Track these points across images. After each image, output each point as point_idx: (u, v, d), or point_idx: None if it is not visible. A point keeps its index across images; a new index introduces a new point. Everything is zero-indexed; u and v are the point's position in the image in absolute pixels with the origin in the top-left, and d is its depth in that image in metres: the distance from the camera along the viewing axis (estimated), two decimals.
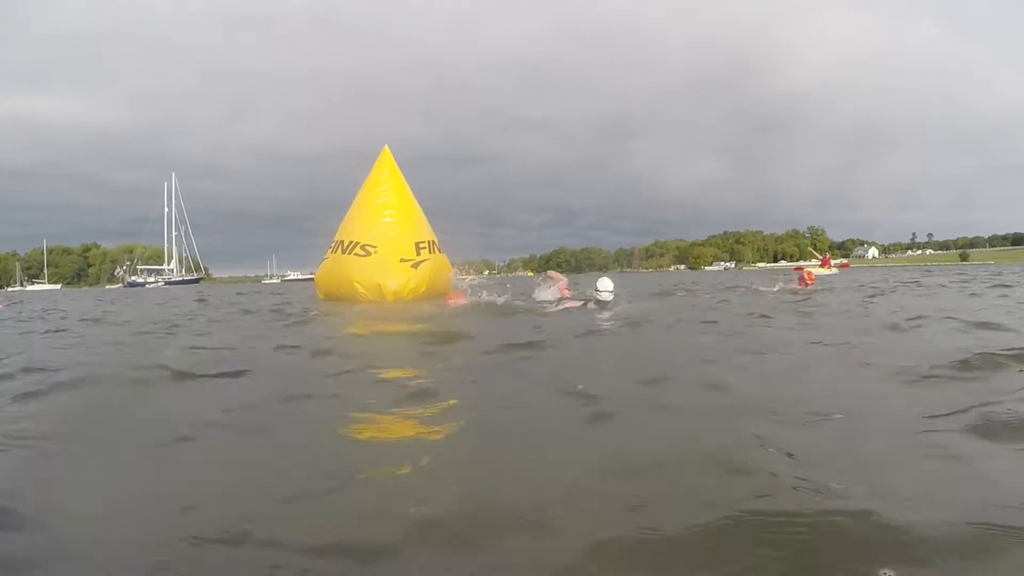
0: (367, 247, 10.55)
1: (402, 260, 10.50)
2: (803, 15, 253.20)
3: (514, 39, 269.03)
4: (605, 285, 6.44)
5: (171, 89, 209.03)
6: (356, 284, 10.24)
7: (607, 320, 5.56)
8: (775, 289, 10.75)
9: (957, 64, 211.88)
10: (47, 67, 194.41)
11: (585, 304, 6.58)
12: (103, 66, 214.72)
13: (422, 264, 10.63)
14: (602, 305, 6.39)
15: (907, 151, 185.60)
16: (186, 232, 66.25)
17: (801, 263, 55.28)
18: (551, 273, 7.87)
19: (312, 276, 13.91)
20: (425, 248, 10.89)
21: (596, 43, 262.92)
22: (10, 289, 69.59)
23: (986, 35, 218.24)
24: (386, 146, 11.48)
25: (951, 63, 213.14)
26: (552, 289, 7.38)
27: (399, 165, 11.41)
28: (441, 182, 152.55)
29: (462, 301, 7.73)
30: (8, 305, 15.94)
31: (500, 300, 7.46)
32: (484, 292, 7.99)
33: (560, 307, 6.61)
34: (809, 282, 10.92)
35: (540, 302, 7.10)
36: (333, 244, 11.17)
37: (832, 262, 32.55)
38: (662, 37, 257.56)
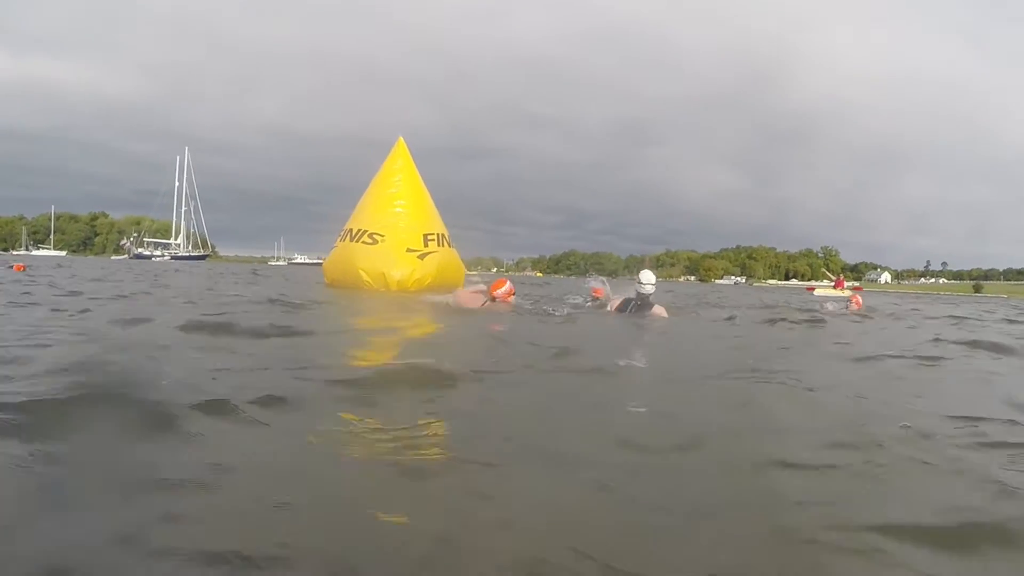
0: (375, 235, 10.48)
1: (409, 250, 10.42)
2: (819, 27, 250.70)
3: (527, 34, 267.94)
4: (648, 278, 6.25)
5: (182, 63, 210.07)
6: (361, 272, 10.20)
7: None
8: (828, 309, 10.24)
9: (976, 86, 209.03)
10: (60, 34, 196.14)
11: (623, 302, 6.38)
12: (116, 36, 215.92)
13: (429, 256, 10.54)
14: (643, 299, 6.16)
15: (923, 174, 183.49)
16: (195, 208, 66.14)
17: (812, 283, 54.62)
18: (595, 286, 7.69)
19: (320, 261, 13.83)
20: (434, 240, 10.79)
21: (610, 46, 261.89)
22: (15, 253, 69.85)
23: (1007, 59, 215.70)
24: (400, 137, 11.47)
25: (970, 85, 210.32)
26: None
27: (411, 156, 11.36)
28: (449, 174, 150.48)
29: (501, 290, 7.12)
30: (28, 267, 15.72)
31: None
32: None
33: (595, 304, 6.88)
34: (859, 305, 10.56)
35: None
36: (343, 233, 11.14)
37: (845, 284, 31.90)
38: (677, 43, 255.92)
